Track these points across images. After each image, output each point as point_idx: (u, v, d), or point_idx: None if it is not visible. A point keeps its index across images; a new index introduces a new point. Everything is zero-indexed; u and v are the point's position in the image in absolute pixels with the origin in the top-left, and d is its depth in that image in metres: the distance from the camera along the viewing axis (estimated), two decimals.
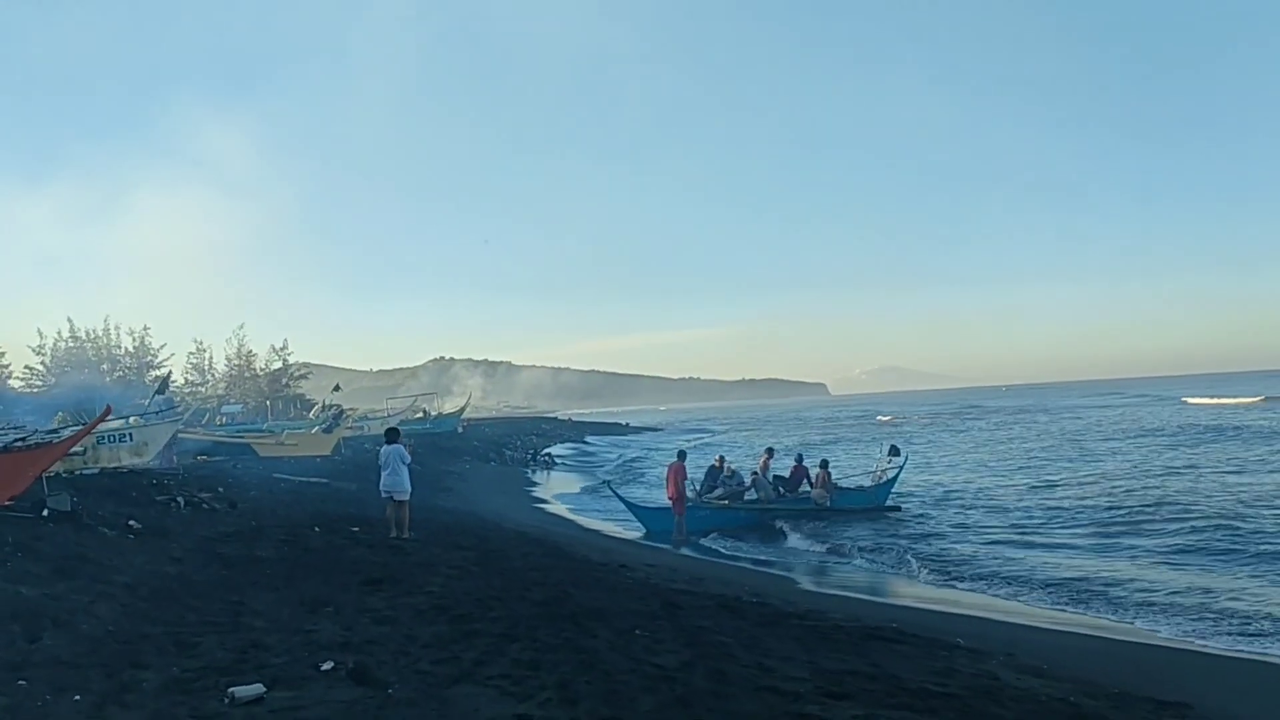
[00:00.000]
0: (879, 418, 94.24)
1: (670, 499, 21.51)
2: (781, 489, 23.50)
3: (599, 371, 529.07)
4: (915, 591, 14.48)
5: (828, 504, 22.93)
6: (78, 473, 18.05)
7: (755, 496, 23.08)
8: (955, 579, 15.46)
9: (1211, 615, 12.04)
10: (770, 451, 25.78)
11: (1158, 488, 25.29)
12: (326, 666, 6.73)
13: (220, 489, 20.46)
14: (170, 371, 32.95)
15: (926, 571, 16.13)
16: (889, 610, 12.14)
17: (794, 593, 12.97)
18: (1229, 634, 11.11)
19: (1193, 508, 21.02)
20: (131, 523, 13.43)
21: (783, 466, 25.70)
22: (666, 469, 22.38)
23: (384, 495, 15.53)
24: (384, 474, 15.52)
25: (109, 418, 16.66)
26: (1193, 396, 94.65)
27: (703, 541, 20.54)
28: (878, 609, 12.12)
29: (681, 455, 22.96)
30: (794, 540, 20.74)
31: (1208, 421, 54.31)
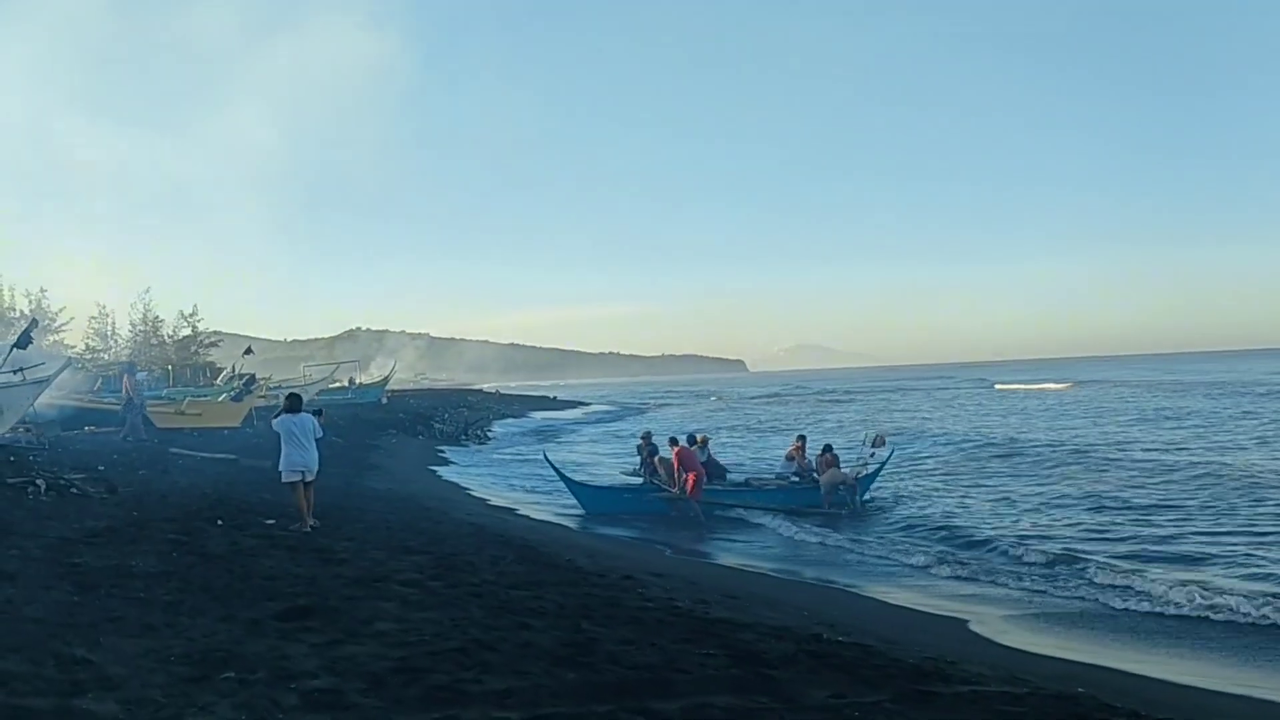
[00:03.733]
0: (712, 397, 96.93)
1: (686, 485, 18.98)
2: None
3: (519, 345, 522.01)
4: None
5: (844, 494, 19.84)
6: None
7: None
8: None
9: None
10: (802, 439, 21.98)
11: None
12: None
13: (101, 467, 16.71)
14: (35, 320, 28.46)
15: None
16: (1012, 656, 9.30)
17: (867, 617, 9.94)
18: None
19: None
20: None
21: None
22: (673, 453, 19.51)
23: (295, 476, 12.19)
24: (290, 449, 12.25)
25: None
26: (1003, 383, 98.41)
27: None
28: (997, 650, 9.26)
29: (689, 439, 20.55)
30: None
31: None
